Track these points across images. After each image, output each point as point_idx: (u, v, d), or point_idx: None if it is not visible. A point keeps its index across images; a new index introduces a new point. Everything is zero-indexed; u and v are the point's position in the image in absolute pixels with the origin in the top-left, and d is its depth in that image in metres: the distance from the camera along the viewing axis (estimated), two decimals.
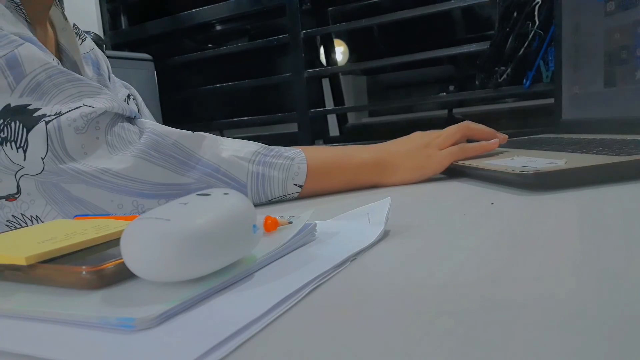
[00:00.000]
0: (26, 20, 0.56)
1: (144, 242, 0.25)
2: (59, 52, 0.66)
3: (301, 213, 0.38)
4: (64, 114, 0.50)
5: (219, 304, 0.24)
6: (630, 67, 0.77)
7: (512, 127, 1.46)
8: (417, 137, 0.66)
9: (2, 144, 0.48)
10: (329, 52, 1.81)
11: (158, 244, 0.25)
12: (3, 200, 0.50)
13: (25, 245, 0.30)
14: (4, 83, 0.49)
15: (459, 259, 0.29)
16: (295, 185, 0.58)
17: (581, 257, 0.27)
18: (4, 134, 0.49)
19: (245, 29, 1.93)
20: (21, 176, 0.49)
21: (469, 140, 0.68)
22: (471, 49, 1.32)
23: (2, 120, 0.49)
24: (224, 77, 1.83)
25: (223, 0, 1.73)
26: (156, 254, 0.24)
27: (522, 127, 1.40)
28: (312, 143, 1.61)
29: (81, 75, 0.56)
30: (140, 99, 0.78)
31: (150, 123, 0.54)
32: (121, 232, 0.26)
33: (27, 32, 0.53)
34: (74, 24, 0.69)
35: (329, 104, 1.80)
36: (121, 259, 0.26)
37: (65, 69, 0.52)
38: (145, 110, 0.79)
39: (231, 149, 0.56)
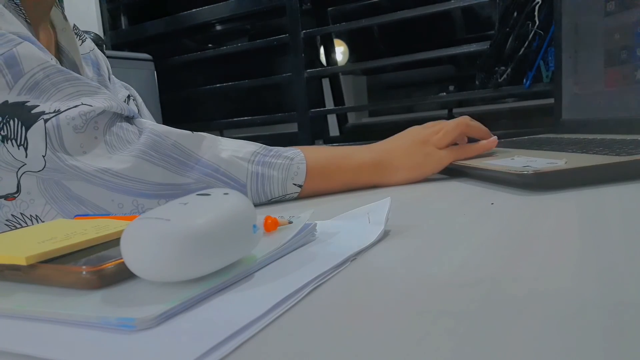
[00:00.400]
0: (26, 21, 0.56)
1: (144, 242, 0.25)
2: (59, 53, 0.66)
3: (301, 213, 0.38)
4: (63, 112, 0.50)
5: (219, 304, 0.24)
6: (630, 67, 0.77)
7: (512, 127, 1.46)
8: (415, 133, 0.65)
9: (3, 142, 0.48)
10: (329, 52, 1.81)
11: (158, 244, 0.25)
12: (2, 199, 0.50)
13: (25, 245, 0.30)
14: (2, 81, 0.49)
15: (459, 259, 0.29)
16: (295, 185, 0.58)
17: (581, 257, 0.27)
18: (4, 132, 0.49)
19: (245, 29, 1.93)
20: (23, 173, 0.49)
21: (468, 139, 0.68)
22: (471, 49, 1.32)
23: (0, 118, 0.49)
24: (224, 77, 1.83)
25: (223, 0, 1.73)
26: (156, 254, 0.24)
27: (522, 127, 1.40)
28: (312, 143, 1.61)
29: (81, 75, 0.56)
30: (140, 100, 0.78)
31: (149, 123, 0.54)
32: (121, 232, 0.26)
33: (26, 32, 0.53)
34: (74, 25, 0.69)
35: (329, 104, 1.80)
36: (121, 259, 0.26)
37: (63, 68, 0.52)
38: (145, 111, 0.79)
39: (230, 149, 0.56)
